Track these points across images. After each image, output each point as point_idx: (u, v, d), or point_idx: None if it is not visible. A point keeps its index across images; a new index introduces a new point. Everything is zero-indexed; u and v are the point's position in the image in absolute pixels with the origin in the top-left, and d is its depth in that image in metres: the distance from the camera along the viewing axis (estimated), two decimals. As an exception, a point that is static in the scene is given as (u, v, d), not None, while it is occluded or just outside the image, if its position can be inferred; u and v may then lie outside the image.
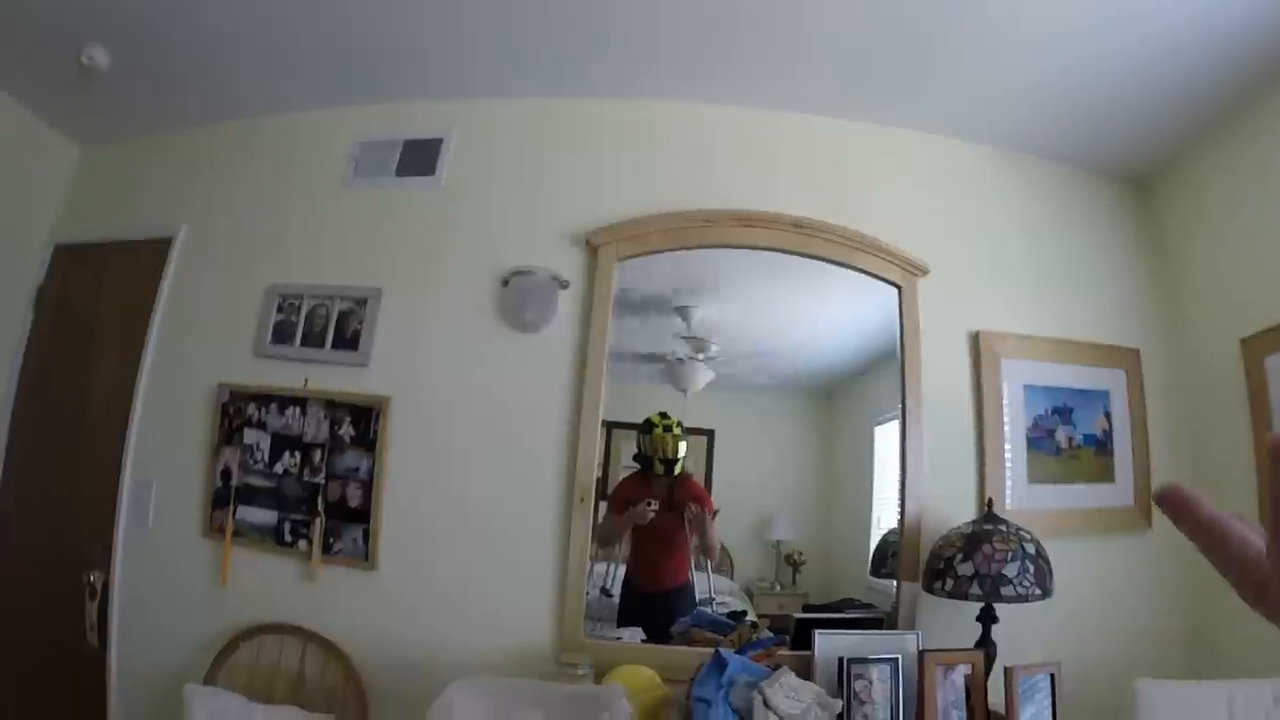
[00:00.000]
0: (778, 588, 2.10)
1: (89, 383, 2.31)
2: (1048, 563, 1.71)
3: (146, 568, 2.11)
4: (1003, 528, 1.72)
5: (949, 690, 1.64)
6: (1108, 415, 2.10)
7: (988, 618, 1.74)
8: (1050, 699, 1.64)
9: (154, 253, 2.29)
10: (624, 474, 2.05)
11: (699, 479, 2.06)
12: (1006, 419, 2.01)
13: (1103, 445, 2.09)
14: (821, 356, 2.20)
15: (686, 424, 2.03)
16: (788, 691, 1.55)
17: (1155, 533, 2.07)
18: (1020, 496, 1.98)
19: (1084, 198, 2.25)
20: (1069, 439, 2.07)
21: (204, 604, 2.02)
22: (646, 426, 2.02)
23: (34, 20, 1.94)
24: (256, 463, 2.05)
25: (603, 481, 1.99)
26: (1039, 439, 2.04)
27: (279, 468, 2.04)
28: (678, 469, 2.01)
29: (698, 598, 2.01)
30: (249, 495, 2.04)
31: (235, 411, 2.09)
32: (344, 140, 2.23)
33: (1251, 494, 1.88)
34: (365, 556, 1.95)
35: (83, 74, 2.10)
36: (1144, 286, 2.23)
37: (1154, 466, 2.10)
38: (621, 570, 2.03)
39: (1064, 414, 2.07)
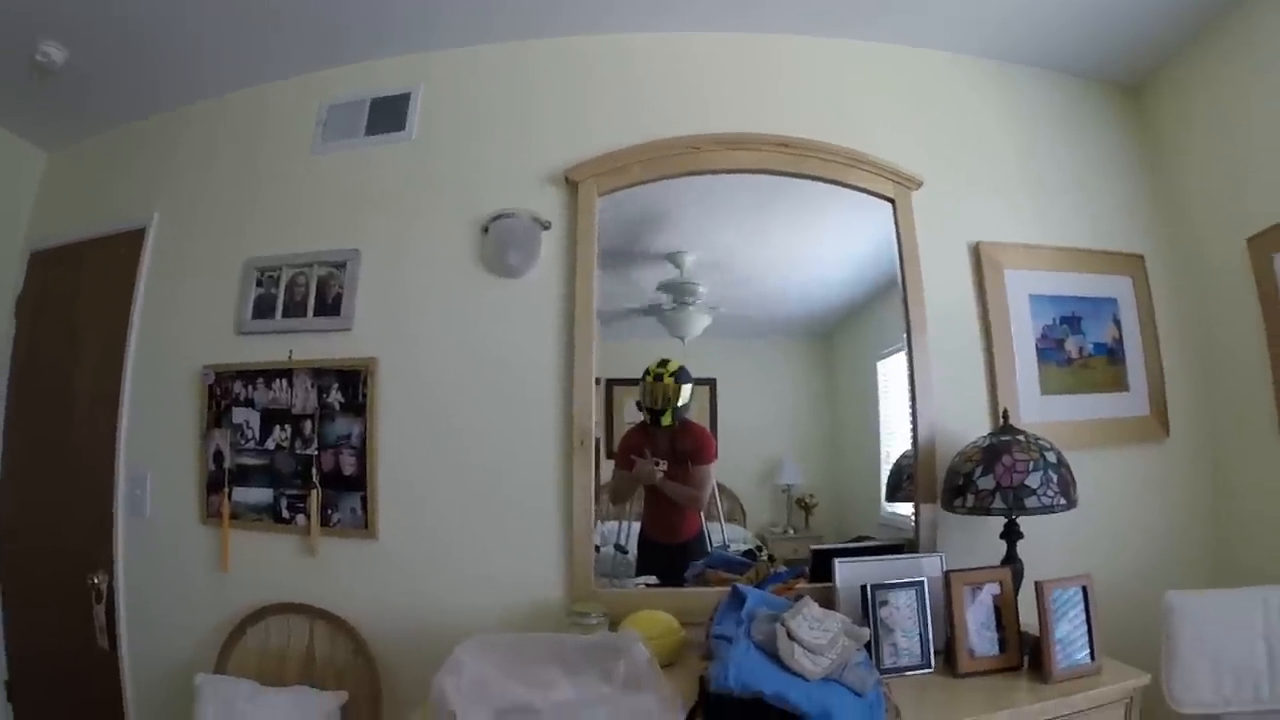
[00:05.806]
0: (790, 532, 2.05)
1: (75, 383, 2.27)
2: (1070, 472, 1.65)
3: (148, 561, 2.07)
4: (1021, 438, 1.66)
5: (979, 611, 1.58)
6: (1117, 323, 2.04)
7: (1011, 534, 1.69)
8: (1084, 613, 1.57)
9: (129, 245, 2.25)
10: (628, 428, 1.99)
11: (705, 427, 1.99)
12: (1014, 331, 1.96)
13: (1114, 354, 2.03)
14: (818, 295, 2.14)
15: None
16: (812, 622, 1.47)
17: (1173, 441, 2.03)
18: (1033, 410, 1.92)
19: (1077, 104, 2.19)
20: (1079, 348, 2.01)
21: (208, 591, 1.98)
22: (643, 375, 1.96)
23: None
24: (247, 441, 2.01)
25: (607, 440, 1.93)
26: (1048, 350, 1.99)
27: (270, 443, 1.99)
28: (665, 419, 1.94)
29: (711, 548, 1.96)
30: (243, 475, 2.00)
31: (222, 392, 2.04)
32: (311, 107, 2.16)
33: (1266, 394, 1.84)
34: (364, 525, 1.90)
35: (39, 73, 2.04)
36: (1144, 192, 2.17)
37: (1167, 373, 2.05)
38: (636, 526, 1.97)
39: (1072, 323, 2.01)
